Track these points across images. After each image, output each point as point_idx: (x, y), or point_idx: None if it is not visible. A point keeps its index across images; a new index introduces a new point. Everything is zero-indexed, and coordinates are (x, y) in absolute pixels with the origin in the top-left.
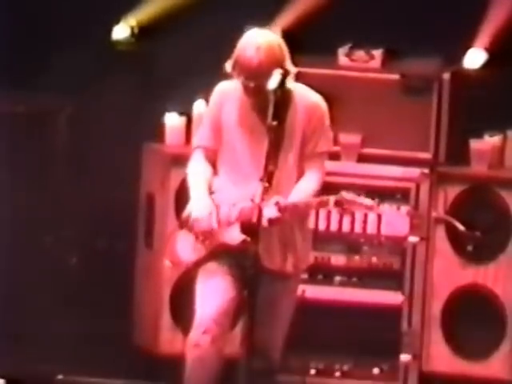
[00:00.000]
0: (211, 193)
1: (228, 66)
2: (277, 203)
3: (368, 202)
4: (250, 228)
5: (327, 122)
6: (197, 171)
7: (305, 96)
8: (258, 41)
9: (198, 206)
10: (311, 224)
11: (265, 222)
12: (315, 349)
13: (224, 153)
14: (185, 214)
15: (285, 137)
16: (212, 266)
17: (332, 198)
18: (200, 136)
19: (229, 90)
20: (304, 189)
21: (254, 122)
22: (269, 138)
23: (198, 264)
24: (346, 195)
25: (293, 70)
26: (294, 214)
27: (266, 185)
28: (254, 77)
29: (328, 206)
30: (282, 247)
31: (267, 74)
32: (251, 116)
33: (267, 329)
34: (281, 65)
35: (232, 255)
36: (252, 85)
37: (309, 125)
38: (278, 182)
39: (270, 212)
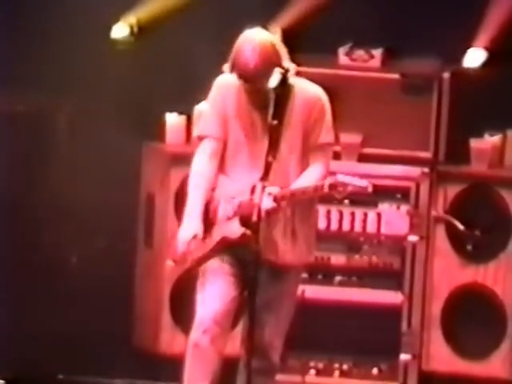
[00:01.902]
0: (213, 189)
1: (226, 68)
2: (269, 193)
3: (362, 183)
4: (250, 222)
5: (328, 113)
6: (199, 177)
7: (304, 89)
8: (252, 43)
9: (185, 226)
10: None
11: (262, 213)
12: (315, 348)
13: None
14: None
15: (284, 130)
16: (213, 264)
17: (327, 182)
18: (206, 126)
19: (229, 84)
20: (305, 179)
21: (253, 117)
22: (269, 137)
23: (200, 261)
24: (340, 177)
25: (292, 67)
26: (294, 203)
27: (267, 184)
28: (251, 79)
29: (324, 190)
30: (283, 238)
31: (264, 75)
32: (250, 111)
33: (267, 328)
34: (277, 64)
35: (233, 250)
36: (250, 86)
37: (309, 118)
38: (276, 174)
39: (266, 203)
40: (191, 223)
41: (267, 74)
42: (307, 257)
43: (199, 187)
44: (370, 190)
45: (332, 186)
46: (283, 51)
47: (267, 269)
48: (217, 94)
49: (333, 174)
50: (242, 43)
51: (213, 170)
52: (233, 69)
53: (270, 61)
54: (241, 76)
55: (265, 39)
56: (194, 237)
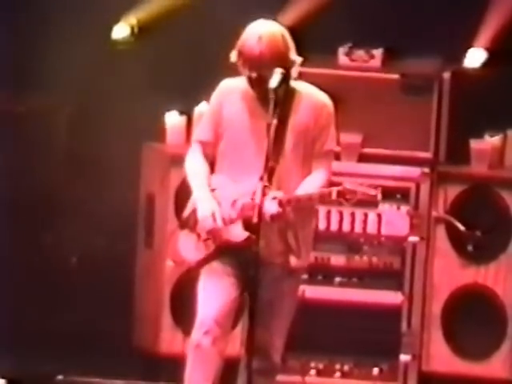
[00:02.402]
0: (211, 190)
1: (233, 56)
2: (274, 197)
3: (371, 191)
4: (253, 225)
5: (333, 120)
6: (197, 169)
7: (311, 95)
8: (261, 31)
9: (202, 206)
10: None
11: (267, 218)
12: (315, 349)
13: (225, 149)
14: (185, 213)
15: (288, 134)
16: (215, 265)
17: (334, 189)
18: (199, 130)
19: (232, 87)
20: (309, 184)
21: (259, 117)
22: (268, 137)
23: (201, 263)
24: (349, 185)
25: (298, 60)
26: (297, 208)
27: (266, 184)
28: (257, 67)
29: (331, 198)
30: (285, 243)
31: (270, 65)
32: (256, 110)
33: (268, 329)
34: (284, 55)
35: (235, 253)
36: (255, 75)
37: (316, 124)
38: (279, 179)
39: (271, 207)
40: (205, 204)
41: (273, 63)
42: (307, 259)
43: (199, 174)
44: (379, 198)
45: (340, 194)
46: (291, 43)
47: (270, 271)
48: (215, 98)
49: (334, 174)
50: (250, 32)
51: (206, 163)
52: (239, 56)
53: (277, 50)
54: (245, 63)
55: (274, 29)
56: (213, 214)
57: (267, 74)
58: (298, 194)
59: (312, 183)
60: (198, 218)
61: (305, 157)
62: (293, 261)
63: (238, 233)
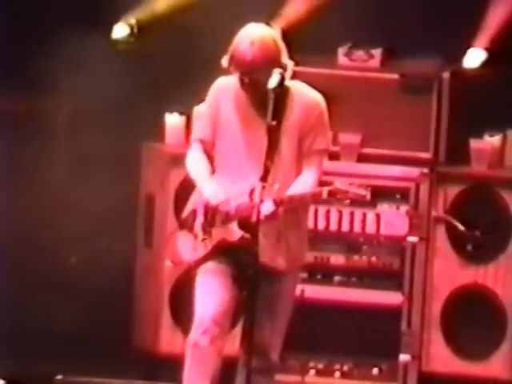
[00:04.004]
0: None
1: (224, 61)
2: (269, 197)
3: (361, 191)
4: (248, 224)
5: (326, 119)
6: (200, 168)
7: (303, 93)
8: (252, 35)
9: (213, 193)
10: (310, 224)
11: (261, 217)
12: (315, 349)
13: (222, 150)
14: (184, 214)
15: (282, 133)
16: (211, 265)
17: (325, 189)
18: (198, 128)
19: (226, 86)
20: (300, 184)
21: (252, 118)
22: (268, 137)
23: (199, 263)
24: (339, 185)
25: (290, 64)
26: (290, 208)
27: (266, 184)
28: (249, 72)
29: (322, 197)
30: (276, 244)
31: (262, 69)
32: (248, 111)
33: (266, 328)
34: (276, 59)
35: (231, 252)
36: (247, 80)
37: (307, 122)
38: (274, 178)
39: (265, 206)
40: (216, 192)
41: (265, 67)
42: (301, 260)
43: (204, 173)
44: (368, 197)
45: (331, 193)
46: (283, 47)
47: (265, 271)
48: (211, 97)
49: (331, 174)
50: (242, 36)
51: (207, 161)
52: (231, 61)
53: (269, 55)
54: (238, 68)
55: (265, 33)
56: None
57: (259, 78)
58: (291, 193)
59: (302, 183)
60: (212, 201)
61: (299, 156)
62: (287, 261)
63: (232, 232)
